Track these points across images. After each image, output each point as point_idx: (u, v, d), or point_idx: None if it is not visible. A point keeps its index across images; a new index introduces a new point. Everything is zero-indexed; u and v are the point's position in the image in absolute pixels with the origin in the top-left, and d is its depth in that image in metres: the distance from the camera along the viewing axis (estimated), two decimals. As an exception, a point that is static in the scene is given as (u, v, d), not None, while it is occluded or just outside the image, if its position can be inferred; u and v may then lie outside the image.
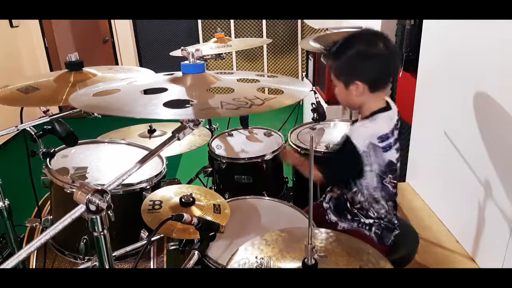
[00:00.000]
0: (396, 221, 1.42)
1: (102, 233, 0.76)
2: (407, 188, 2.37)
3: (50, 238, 0.68)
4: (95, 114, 1.03)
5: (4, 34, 4.66)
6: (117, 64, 5.48)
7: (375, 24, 2.95)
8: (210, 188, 2.10)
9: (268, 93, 0.91)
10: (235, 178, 1.94)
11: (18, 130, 1.23)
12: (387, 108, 1.33)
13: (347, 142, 1.28)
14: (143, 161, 0.81)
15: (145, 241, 1.33)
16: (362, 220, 1.41)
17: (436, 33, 2.01)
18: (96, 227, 0.75)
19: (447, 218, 2.00)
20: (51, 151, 1.43)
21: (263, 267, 0.93)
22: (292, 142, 2.01)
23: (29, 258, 1.39)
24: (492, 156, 1.57)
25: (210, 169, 2.06)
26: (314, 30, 4.96)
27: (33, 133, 1.30)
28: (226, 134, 2.21)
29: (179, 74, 0.98)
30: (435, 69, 2.06)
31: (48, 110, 1.29)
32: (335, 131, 2.15)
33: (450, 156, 1.86)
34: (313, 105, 1.97)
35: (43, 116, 1.28)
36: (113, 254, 1.25)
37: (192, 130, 0.86)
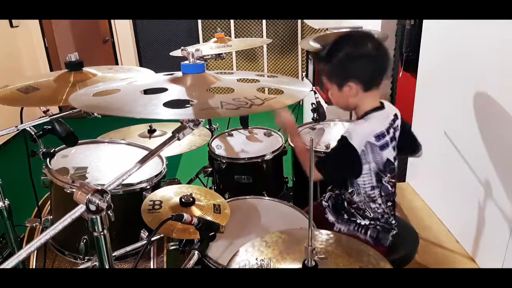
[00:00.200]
0: (393, 221, 1.43)
1: (102, 233, 0.76)
2: (407, 188, 2.37)
3: (50, 238, 0.68)
4: (95, 114, 1.03)
5: (4, 34, 4.66)
6: (117, 64, 5.48)
7: (375, 24, 2.95)
8: (210, 188, 2.10)
9: (268, 93, 0.91)
10: (235, 178, 1.94)
11: (18, 130, 1.23)
12: (381, 107, 1.34)
13: (344, 143, 1.29)
14: (143, 161, 0.81)
15: (145, 241, 1.33)
16: (358, 221, 1.41)
17: (436, 33, 2.01)
18: (96, 227, 0.75)
19: (447, 218, 2.00)
20: (51, 151, 1.43)
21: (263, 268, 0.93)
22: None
23: (29, 258, 1.39)
24: (492, 156, 1.57)
25: (210, 169, 2.06)
26: (314, 30, 4.96)
27: (33, 133, 1.30)
28: (226, 134, 2.21)
29: (179, 74, 0.98)
30: (435, 69, 2.06)
31: (48, 110, 1.29)
32: (335, 131, 2.15)
33: (450, 156, 1.86)
34: (313, 105, 1.97)
35: (43, 116, 1.28)
36: (113, 254, 1.25)
37: (192, 130, 0.86)
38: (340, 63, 1.28)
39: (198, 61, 0.97)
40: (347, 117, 2.32)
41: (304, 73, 3.49)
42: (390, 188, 1.37)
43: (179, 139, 0.85)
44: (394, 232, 1.41)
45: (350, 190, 1.38)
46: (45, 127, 1.32)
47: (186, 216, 1.09)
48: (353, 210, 1.42)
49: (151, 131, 2.07)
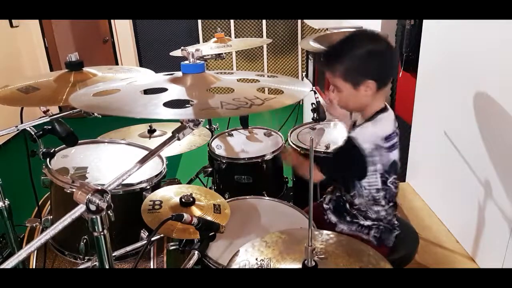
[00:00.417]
0: (396, 222, 1.42)
1: (102, 233, 0.76)
2: (407, 188, 2.37)
3: (50, 238, 0.68)
4: (95, 114, 1.03)
5: (4, 34, 4.66)
6: (117, 64, 5.48)
7: (375, 24, 2.95)
8: (210, 188, 2.10)
9: (268, 93, 0.91)
10: (235, 178, 1.94)
11: (18, 130, 1.23)
12: (387, 108, 1.33)
13: (351, 145, 1.27)
14: (143, 161, 0.81)
15: (145, 241, 1.33)
16: (361, 222, 1.41)
17: (436, 33, 2.01)
18: (96, 227, 0.75)
19: (447, 218, 2.00)
20: (51, 151, 1.43)
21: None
22: (292, 142, 2.01)
23: (29, 258, 1.40)
24: (492, 156, 1.57)
25: (210, 169, 2.06)
26: (314, 30, 4.96)
27: (33, 133, 1.30)
28: (226, 134, 2.21)
29: (179, 74, 0.98)
30: (435, 69, 2.06)
31: (48, 110, 1.29)
32: (335, 131, 2.15)
33: (450, 156, 1.86)
34: (313, 105, 1.97)
35: (43, 116, 1.28)
36: (113, 254, 1.25)
37: (192, 130, 0.86)
38: (360, 61, 1.23)
39: (198, 61, 0.97)
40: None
41: (304, 73, 3.49)
42: (394, 190, 1.36)
43: (179, 139, 0.85)
44: (397, 232, 1.41)
45: (352, 193, 1.38)
46: (45, 127, 1.32)
47: (186, 216, 1.09)
48: (355, 212, 1.41)
49: (151, 131, 2.07)
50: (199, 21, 5.31)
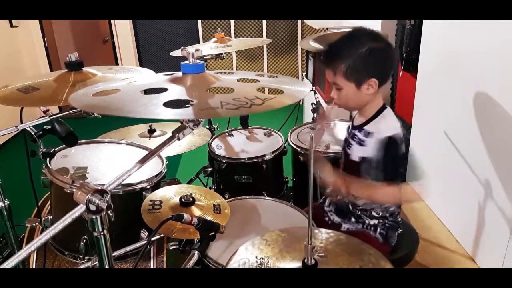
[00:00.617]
0: (400, 219, 1.43)
1: (102, 233, 0.76)
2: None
3: (50, 238, 0.68)
4: (95, 114, 1.03)
5: (4, 34, 4.66)
6: (117, 64, 5.48)
7: (375, 24, 2.95)
8: (210, 188, 2.10)
9: (268, 93, 0.91)
10: (235, 178, 1.94)
11: (18, 130, 1.23)
12: (385, 105, 1.33)
13: (389, 143, 1.24)
14: (143, 161, 0.81)
15: (145, 241, 1.33)
16: (366, 222, 1.40)
17: (436, 33, 2.01)
18: (96, 227, 0.75)
19: (447, 218, 2.00)
20: (51, 151, 1.43)
21: (263, 267, 0.93)
22: (292, 142, 2.01)
23: (29, 258, 1.40)
24: (492, 156, 1.57)
25: (210, 169, 2.06)
26: (314, 30, 4.96)
27: (33, 133, 1.30)
28: (226, 134, 2.21)
29: (179, 74, 0.98)
30: (435, 69, 2.06)
31: (48, 110, 1.29)
32: (335, 131, 2.15)
33: (450, 156, 1.86)
34: (313, 105, 1.97)
35: (43, 116, 1.28)
36: (113, 254, 1.25)
37: (192, 130, 0.86)
38: (363, 59, 1.22)
39: (198, 61, 0.97)
40: (347, 117, 2.31)
41: (304, 73, 3.49)
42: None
43: (179, 139, 0.85)
44: (400, 231, 1.41)
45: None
46: (45, 127, 1.32)
47: (186, 216, 1.09)
48: (359, 212, 1.41)
49: (151, 131, 2.07)
50: (199, 21, 5.30)
